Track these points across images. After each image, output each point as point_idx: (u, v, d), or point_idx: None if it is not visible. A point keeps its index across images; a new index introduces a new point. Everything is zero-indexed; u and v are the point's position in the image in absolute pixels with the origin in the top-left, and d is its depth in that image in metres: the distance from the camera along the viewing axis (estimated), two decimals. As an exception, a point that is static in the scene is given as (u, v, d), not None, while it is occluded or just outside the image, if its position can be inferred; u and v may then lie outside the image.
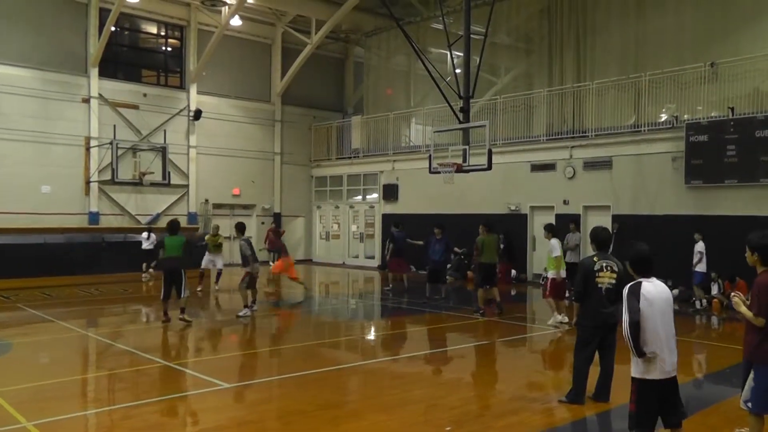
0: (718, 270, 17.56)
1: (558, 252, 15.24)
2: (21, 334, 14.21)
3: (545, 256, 23.29)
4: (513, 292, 22.27)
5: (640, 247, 6.19)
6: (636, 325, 5.90)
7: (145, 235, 24.15)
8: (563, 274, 15.50)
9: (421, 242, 21.12)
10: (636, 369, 6.06)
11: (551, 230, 15.82)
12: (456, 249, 20.54)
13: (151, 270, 23.94)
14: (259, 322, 16.13)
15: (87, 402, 9.32)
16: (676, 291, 17.60)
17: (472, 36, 20.01)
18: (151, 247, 23.95)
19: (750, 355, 6.33)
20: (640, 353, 5.92)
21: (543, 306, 19.79)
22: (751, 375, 6.27)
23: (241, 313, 16.25)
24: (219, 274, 21.70)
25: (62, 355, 12.48)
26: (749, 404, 6.28)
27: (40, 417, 7.91)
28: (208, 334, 14.76)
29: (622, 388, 8.68)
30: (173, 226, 15.59)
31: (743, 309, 6.27)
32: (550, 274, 15.48)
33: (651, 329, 5.91)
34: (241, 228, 17.26)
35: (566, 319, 14.87)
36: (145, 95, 28.33)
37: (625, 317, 5.94)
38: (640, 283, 6.01)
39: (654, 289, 5.97)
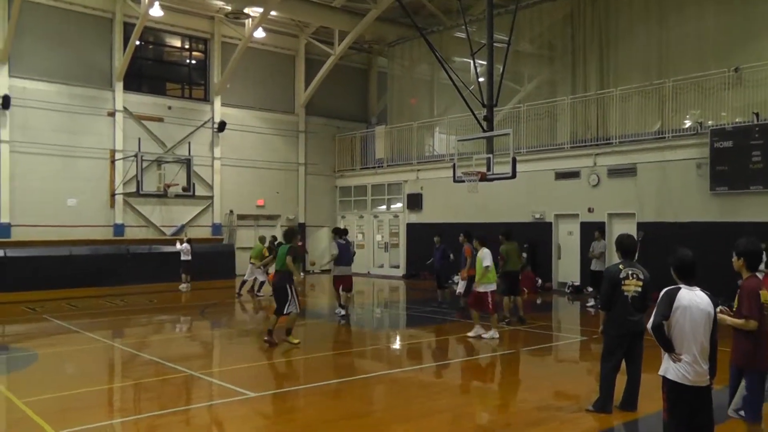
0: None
1: (489, 262, 14.35)
2: (47, 345, 14.33)
3: (570, 263, 23.44)
4: (538, 301, 22.17)
5: (683, 252, 6.02)
6: (658, 329, 5.80)
7: (185, 246, 24.36)
8: (492, 287, 14.52)
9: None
10: (663, 366, 5.94)
11: (482, 240, 14.84)
12: (451, 255, 20.56)
13: (188, 283, 24.25)
14: (282, 331, 16.17)
15: (113, 412, 9.36)
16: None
17: (495, 44, 20.03)
18: (188, 257, 24.20)
19: (740, 360, 6.26)
20: (668, 348, 5.84)
21: (568, 315, 19.73)
22: (743, 383, 6.19)
23: (336, 311, 17.97)
24: (261, 284, 22.38)
25: (88, 365, 12.55)
26: (742, 413, 6.20)
27: (66, 427, 7.94)
28: (233, 343, 14.77)
29: (649, 397, 8.61)
30: (286, 235, 14.23)
31: (730, 320, 6.21)
32: (481, 288, 14.40)
33: (678, 336, 5.78)
34: (338, 232, 18.85)
35: (497, 335, 14.36)
36: (169, 108, 28.55)
37: (651, 319, 5.86)
38: (679, 289, 5.86)
39: (690, 297, 5.79)
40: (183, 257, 24.29)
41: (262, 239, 22.70)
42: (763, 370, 6.27)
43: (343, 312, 17.84)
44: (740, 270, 6.35)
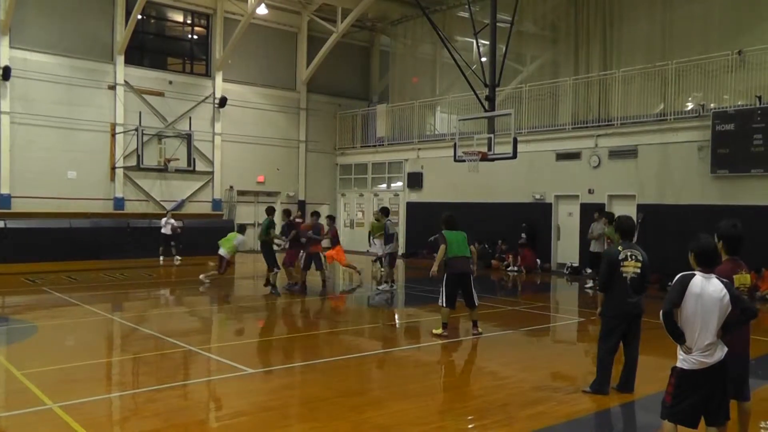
0: (744, 260, 17.38)
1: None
2: (46, 317, 14.35)
3: (570, 245, 23.49)
4: (537, 282, 22.24)
5: (705, 239, 5.88)
6: (668, 316, 5.75)
7: (164, 221, 24.66)
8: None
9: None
10: (678, 359, 5.84)
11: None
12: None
13: (172, 257, 24.58)
14: (283, 309, 16.21)
15: (111, 385, 9.40)
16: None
17: (498, 24, 19.97)
18: (170, 232, 24.48)
19: None
20: (678, 340, 5.77)
21: (567, 296, 19.81)
22: None
23: (380, 287, 19.15)
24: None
25: (87, 338, 12.59)
26: None
27: (65, 399, 7.97)
28: (232, 319, 14.80)
29: (646, 379, 8.66)
30: (449, 221, 12.58)
31: None
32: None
33: (690, 324, 5.69)
34: (386, 212, 19.94)
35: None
36: (170, 82, 28.51)
37: (663, 305, 5.83)
38: (694, 275, 5.75)
39: (704, 285, 5.67)
40: (167, 231, 24.66)
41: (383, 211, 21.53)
42: (740, 353, 6.24)
43: (393, 285, 19.26)
44: (720, 252, 6.30)
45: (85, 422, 7.18)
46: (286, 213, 20.29)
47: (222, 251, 18.71)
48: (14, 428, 7.24)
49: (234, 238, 19.03)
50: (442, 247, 12.12)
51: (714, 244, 5.97)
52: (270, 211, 18.06)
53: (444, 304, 12.13)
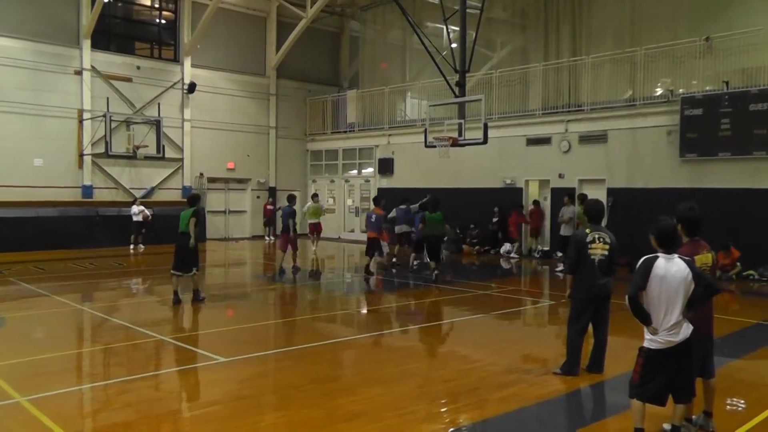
0: (711, 241, 17.57)
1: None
2: (14, 309, 14.15)
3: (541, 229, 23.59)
4: (506, 266, 22.33)
5: (665, 221, 6.04)
6: (634, 300, 5.85)
7: (136, 208, 24.58)
8: None
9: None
10: (645, 339, 6.00)
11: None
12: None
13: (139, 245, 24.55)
14: (255, 296, 16.16)
15: (82, 377, 9.32)
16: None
17: (468, 10, 19.99)
18: (141, 219, 24.39)
19: None
20: (644, 322, 5.91)
21: (537, 279, 19.94)
22: None
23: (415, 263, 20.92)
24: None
25: (56, 329, 12.44)
26: None
27: (33, 392, 7.89)
28: (204, 307, 14.71)
29: (616, 360, 8.75)
30: (430, 204, 18.18)
31: None
32: None
33: (656, 305, 5.84)
34: (402, 201, 21.53)
35: None
36: (138, 68, 28.16)
37: (629, 289, 5.92)
38: (656, 258, 5.89)
39: (667, 266, 5.83)
40: (140, 219, 24.60)
41: None
42: (705, 332, 6.36)
43: (416, 263, 20.63)
44: (681, 234, 6.41)
45: (54, 416, 7.11)
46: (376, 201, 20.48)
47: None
48: (-18, 421, 7.16)
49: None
50: (421, 226, 18.23)
51: (673, 225, 6.11)
52: (196, 199, 14.72)
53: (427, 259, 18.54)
